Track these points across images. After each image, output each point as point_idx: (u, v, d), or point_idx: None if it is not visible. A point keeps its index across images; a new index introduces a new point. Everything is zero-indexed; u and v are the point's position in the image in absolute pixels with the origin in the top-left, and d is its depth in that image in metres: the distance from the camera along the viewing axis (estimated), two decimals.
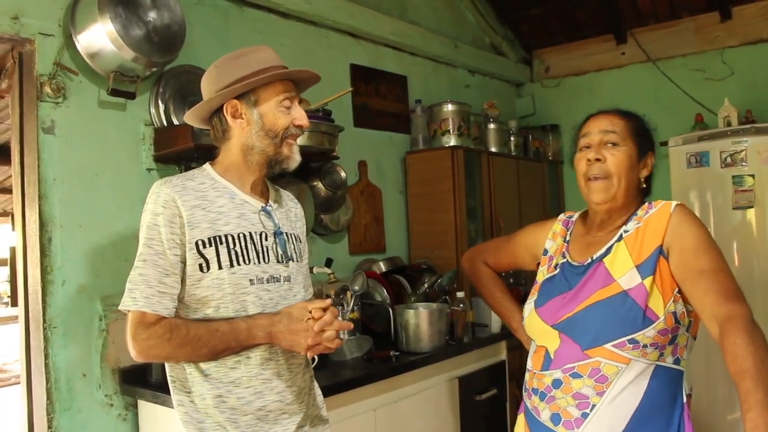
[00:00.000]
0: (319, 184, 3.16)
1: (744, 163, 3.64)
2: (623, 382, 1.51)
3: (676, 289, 1.52)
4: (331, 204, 3.26)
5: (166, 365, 1.65)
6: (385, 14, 3.83)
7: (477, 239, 3.85)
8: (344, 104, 3.52)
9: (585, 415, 1.53)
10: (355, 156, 3.61)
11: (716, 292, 1.44)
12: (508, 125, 4.46)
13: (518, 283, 3.82)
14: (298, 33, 3.36)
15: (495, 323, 3.22)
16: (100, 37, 2.30)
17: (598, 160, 1.63)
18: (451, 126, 3.86)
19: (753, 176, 3.62)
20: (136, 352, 1.52)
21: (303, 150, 2.69)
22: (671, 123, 4.21)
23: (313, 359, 1.79)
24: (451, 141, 3.85)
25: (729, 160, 3.68)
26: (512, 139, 4.45)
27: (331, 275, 2.92)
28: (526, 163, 4.44)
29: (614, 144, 1.64)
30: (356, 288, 2.88)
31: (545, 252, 1.83)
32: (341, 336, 1.61)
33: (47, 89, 2.31)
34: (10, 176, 2.65)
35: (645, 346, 1.50)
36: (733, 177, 3.66)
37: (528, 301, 1.77)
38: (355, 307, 2.89)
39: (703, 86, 4.36)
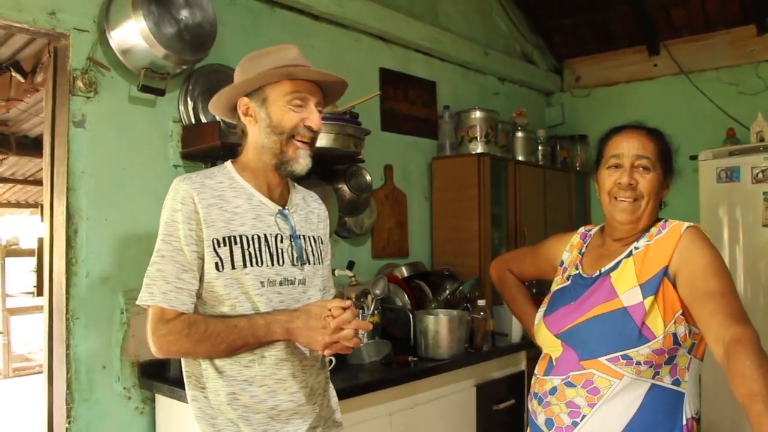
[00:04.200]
0: (344, 187, 3.17)
1: None
2: (615, 396, 1.54)
3: (679, 312, 1.53)
4: (355, 207, 3.26)
5: (183, 360, 1.66)
6: (416, 19, 3.84)
7: (500, 247, 3.83)
8: (372, 108, 3.52)
9: (575, 424, 1.57)
10: (381, 160, 3.61)
11: (723, 314, 1.43)
12: (536, 134, 4.43)
13: (541, 293, 3.78)
14: (329, 35, 3.37)
15: (515, 332, 3.19)
16: (132, 33, 2.33)
17: (630, 185, 1.64)
18: (478, 133, 3.85)
19: None
20: (156, 347, 1.53)
21: (329, 152, 2.74)
22: (702, 137, 4.16)
23: (330, 361, 1.78)
24: (478, 148, 3.83)
25: (760, 176, 3.62)
26: (540, 148, 4.42)
27: (353, 278, 2.93)
28: (553, 172, 4.41)
29: (645, 168, 1.65)
30: (377, 292, 2.88)
31: (561, 263, 1.88)
32: (360, 336, 1.59)
33: (79, 83, 2.35)
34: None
35: (639, 363, 1.52)
36: (765, 193, 3.61)
37: (539, 311, 1.82)
38: (376, 311, 2.89)
39: (736, 100, 4.30)
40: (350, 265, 3.02)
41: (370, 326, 1.70)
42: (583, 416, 1.56)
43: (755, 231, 3.64)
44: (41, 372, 2.62)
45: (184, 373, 1.64)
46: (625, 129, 1.72)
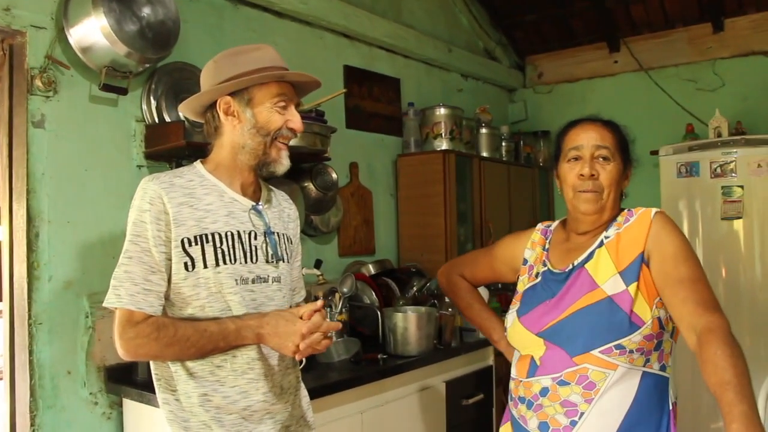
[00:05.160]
0: (310, 185, 3.15)
1: (733, 174, 3.66)
2: (611, 388, 1.52)
3: (658, 297, 1.54)
4: (321, 205, 3.25)
5: (151, 363, 1.63)
6: (380, 16, 3.83)
7: (466, 243, 3.85)
8: (337, 105, 3.51)
9: (573, 423, 1.53)
10: (347, 157, 3.60)
11: (695, 302, 1.45)
12: (500, 130, 4.47)
13: (506, 288, 3.81)
14: (293, 33, 3.35)
15: None
16: (93, 31, 2.28)
17: (593, 176, 1.65)
18: (443, 130, 3.87)
19: (742, 187, 3.64)
20: (124, 350, 1.50)
21: (295, 150, 2.71)
22: (662, 132, 4.24)
23: (301, 361, 1.77)
24: (443, 145, 3.85)
25: (719, 170, 3.70)
26: (504, 144, 4.46)
27: (320, 277, 2.91)
28: (516, 168, 4.45)
29: (606, 158, 1.66)
30: (345, 290, 2.87)
31: (525, 261, 1.83)
32: (330, 336, 1.59)
33: (38, 83, 2.29)
34: None
35: (631, 351, 1.51)
36: (723, 187, 3.69)
37: (510, 311, 1.77)
38: (344, 309, 2.89)
39: (695, 96, 4.39)
40: (317, 264, 3.01)
41: (339, 325, 1.69)
42: (581, 414, 1.52)
43: (714, 224, 3.72)
44: (0, 379, 2.55)
45: (154, 376, 1.62)
46: (582, 122, 1.73)
